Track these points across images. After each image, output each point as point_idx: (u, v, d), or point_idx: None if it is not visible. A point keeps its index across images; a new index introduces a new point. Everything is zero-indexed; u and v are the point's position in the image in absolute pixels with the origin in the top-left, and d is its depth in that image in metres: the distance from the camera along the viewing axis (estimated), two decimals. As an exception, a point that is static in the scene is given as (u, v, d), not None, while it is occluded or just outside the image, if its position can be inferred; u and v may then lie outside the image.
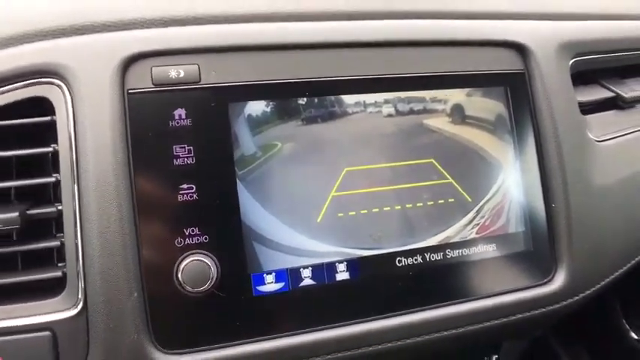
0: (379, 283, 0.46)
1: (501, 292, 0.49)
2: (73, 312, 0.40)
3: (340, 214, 0.45)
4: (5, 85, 0.41)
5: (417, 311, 0.46)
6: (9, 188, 0.43)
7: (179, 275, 0.41)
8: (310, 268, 0.44)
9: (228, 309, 0.42)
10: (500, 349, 0.59)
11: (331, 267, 0.45)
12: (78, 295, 0.40)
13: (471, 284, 0.48)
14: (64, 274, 0.41)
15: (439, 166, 0.49)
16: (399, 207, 0.47)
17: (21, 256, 0.42)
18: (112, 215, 0.40)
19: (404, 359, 0.51)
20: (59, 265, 0.42)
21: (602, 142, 0.58)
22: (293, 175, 0.45)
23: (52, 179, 0.41)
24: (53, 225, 0.43)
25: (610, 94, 0.63)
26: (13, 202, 0.43)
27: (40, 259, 0.42)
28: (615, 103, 0.64)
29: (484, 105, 0.51)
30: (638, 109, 0.65)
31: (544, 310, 0.51)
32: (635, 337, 0.96)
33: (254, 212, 0.43)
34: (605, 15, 0.64)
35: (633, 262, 0.58)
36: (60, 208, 0.41)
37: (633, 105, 0.64)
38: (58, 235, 0.42)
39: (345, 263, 0.45)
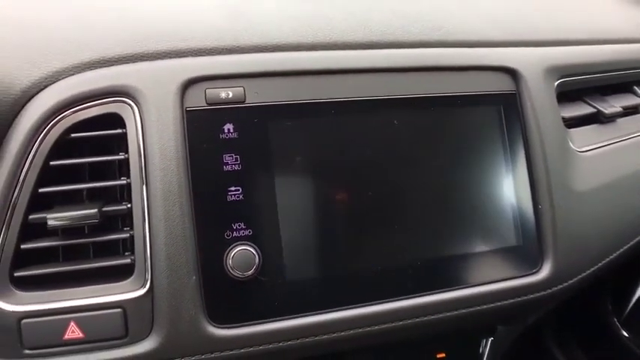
0: (393, 271, 0.54)
1: (495, 280, 0.56)
2: (142, 292, 0.47)
3: (360, 213, 0.53)
4: (83, 104, 0.48)
5: (425, 295, 0.54)
6: (81, 190, 0.51)
7: (229, 262, 0.48)
8: (335, 258, 0.52)
9: (269, 291, 0.50)
10: (496, 333, 0.67)
11: (353, 258, 0.53)
12: (145, 277, 0.47)
13: (470, 273, 0.56)
14: (132, 261, 0.48)
15: (444, 173, 0.56)
16: (410, 207, 0.55)
17: (92, 247, 0.50)
18: (175, 212, 0.47)
19: (414, 338, 0.59)
20: (126, 254, 0.50)
21: (583, 153, 0.65)
22: (321, 179, 0.52)
23: (123, 182, 0.49)
24: (119, 221, 0.51)
25: (592, 110, 0.70)
26: (85, 201, 0.51)
27: (106, 249, 0.50)
28: (596, 118, 0.71)
29: (482, 121, 0.58)
30: (617, 123, 0.72)
31: (532, 296, 0.58)
32: (626, 334, 1.03)
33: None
34: (586, 40, 0.71)
35: (611, 257, 0.66)
36: (129, 206, 0.48)
37: (613, 120, 0.72)
38: (125, 228, 0.50)
39: (364, 254, 0.53)
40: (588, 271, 0.63)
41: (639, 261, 0.92)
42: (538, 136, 0.60)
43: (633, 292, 0.97)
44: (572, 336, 1.13)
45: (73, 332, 0.47)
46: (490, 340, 0.66)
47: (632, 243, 0.68)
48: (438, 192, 0.56)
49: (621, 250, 0.67)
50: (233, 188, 0.50)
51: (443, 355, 0.64)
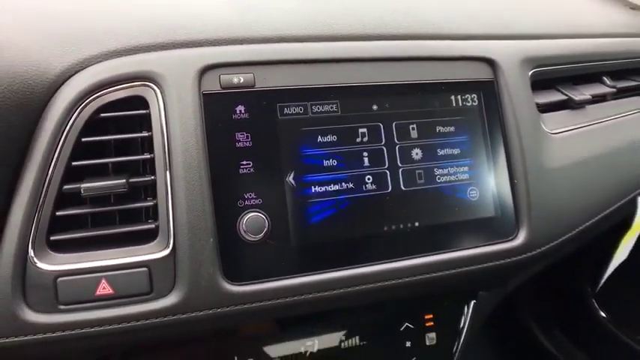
0: (386, 237, 0.61)
1: (476, 245, 0.63)
2: (165, 253, 0.53)
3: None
4: (111, 87, 0.54)
5: (414, 258, 0.60)
6: (107, 165, 0.56)
7: (242, 227, 0.55)
8: (335, 225, 0.59)
9: (277, 252, 0.56)
10: (478, 298, 0.74)
11: (350, 225, 0.59)
12: (168, 240, 0.53)
13: (454, 239, 0.63)
14: (156, 226, 0.54)
15: (429, 154, 0.63)
16: (400, 181, 0.62)
17: (118, 214, 0.56)
18: (194, 183, 0.53)
19: (405, 298, 0.65)
20: (149, 220, 0.56)
21: (555, 135, 0.72)
22: (322, 152, 0.59)
23: (148, 156, 0.55)
24: (141, 192, 0.56)
25: (563, 97, 0.77)
26: (110, 175, 0.57)
27: (130, 217, 0.55)
28: (568, 105, 0.77)
29: (464, 105, 0.65)
30: (586, 109, 0.79)
31: (509, 260, 0.65)
32: (604, 315, 1.11)
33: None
34: (560, 34, 0.78)
35: (580, 228, 0.73)
36: (153, 178, 0.54)
37: (582, 106, 0.79)
38: (148, 198, 0.56)
39: (362, 222, 0.60)
40: (559, 240, 0.70)
41: (615, 242, 0.99)
42: (514, 118, 0.67)
43: (609, 274, 1.05)
44: (553, 318, 1.20)
45: (104, 289, 0.52)
46: (473, 302, 0.73)
47: (599, 217, 0.76)
48: (427, 167, 0.62)
49: (589, 222, 0.74)
50: (244, 162, 0.56)
51: (430, 316, 0.71)
